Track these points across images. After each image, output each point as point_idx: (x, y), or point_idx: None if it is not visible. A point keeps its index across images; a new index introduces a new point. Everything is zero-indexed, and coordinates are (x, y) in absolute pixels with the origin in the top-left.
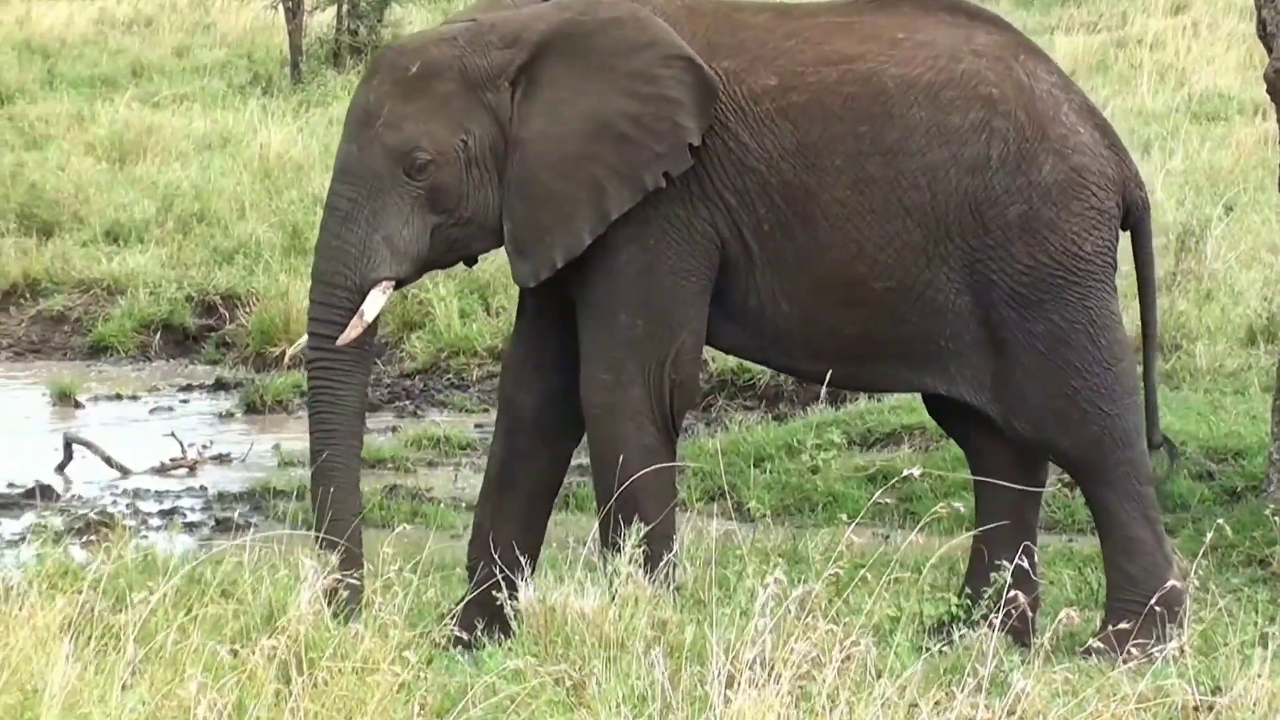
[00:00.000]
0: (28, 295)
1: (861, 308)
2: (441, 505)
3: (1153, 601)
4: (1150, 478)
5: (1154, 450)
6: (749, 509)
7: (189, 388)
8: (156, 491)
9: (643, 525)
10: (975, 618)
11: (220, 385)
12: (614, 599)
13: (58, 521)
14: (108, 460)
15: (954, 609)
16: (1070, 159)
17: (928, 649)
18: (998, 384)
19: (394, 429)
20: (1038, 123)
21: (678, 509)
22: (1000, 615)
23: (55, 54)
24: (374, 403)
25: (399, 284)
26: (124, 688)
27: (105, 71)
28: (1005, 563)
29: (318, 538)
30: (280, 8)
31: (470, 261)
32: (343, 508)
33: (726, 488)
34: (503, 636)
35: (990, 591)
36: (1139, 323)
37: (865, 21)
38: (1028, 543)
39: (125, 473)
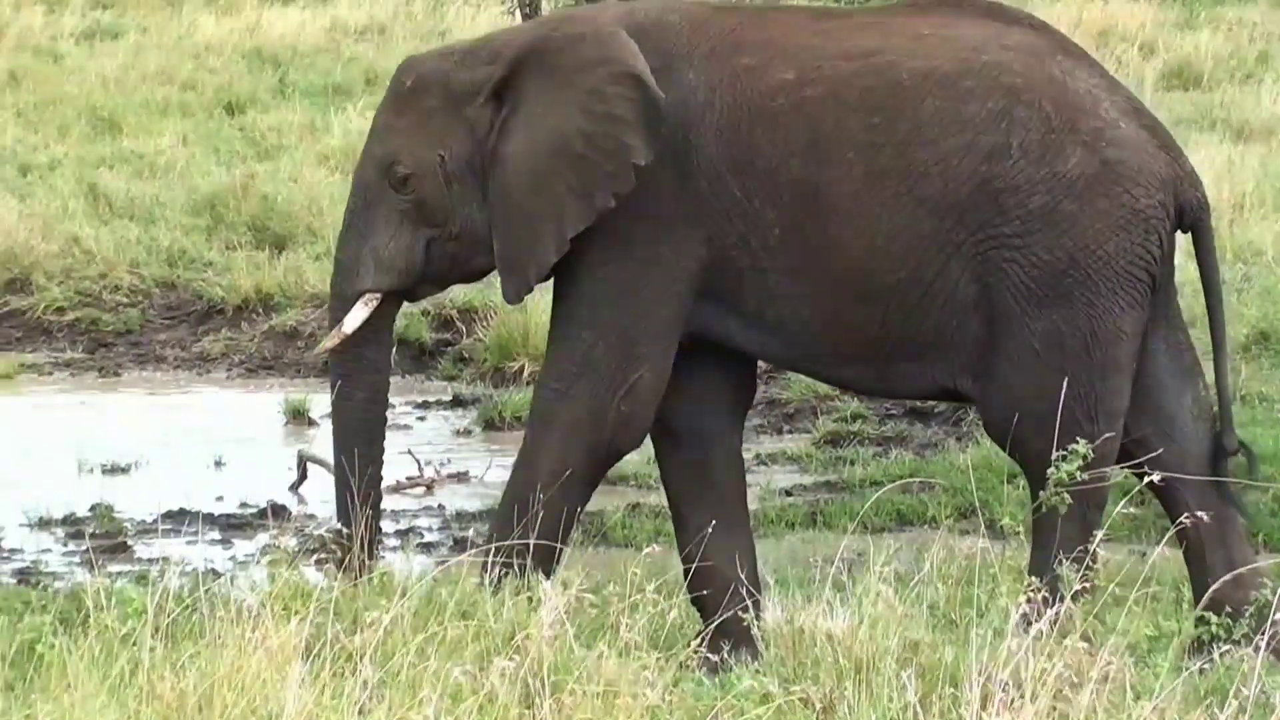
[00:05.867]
0: (260, 310)
1: (878, 303)
2: None
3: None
4: (1101, 504)
5: (1232, 456)
6: (1001, 526)
7: (425, 404)
8: (393, 510)
9: (505, 532)
10: (1237, 635)
11: (458, 401)
12: (863, 619)
13: (292, 542)
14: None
15: (1214, 628)
16: (1102, 153)
17: (1187, 669)
18: (988, 375)
19: None
20: (1067, 114)
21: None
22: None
23: (287, 62)
24: None
25: (406, 298)
26: (361, 712)
27: (338, 80)
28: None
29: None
30: (516, 13)
31: (476, 277)
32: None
33: (978, 504)
34: (750, 658)
35: (1250, 609)
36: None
37: (898, 21)
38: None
39: None
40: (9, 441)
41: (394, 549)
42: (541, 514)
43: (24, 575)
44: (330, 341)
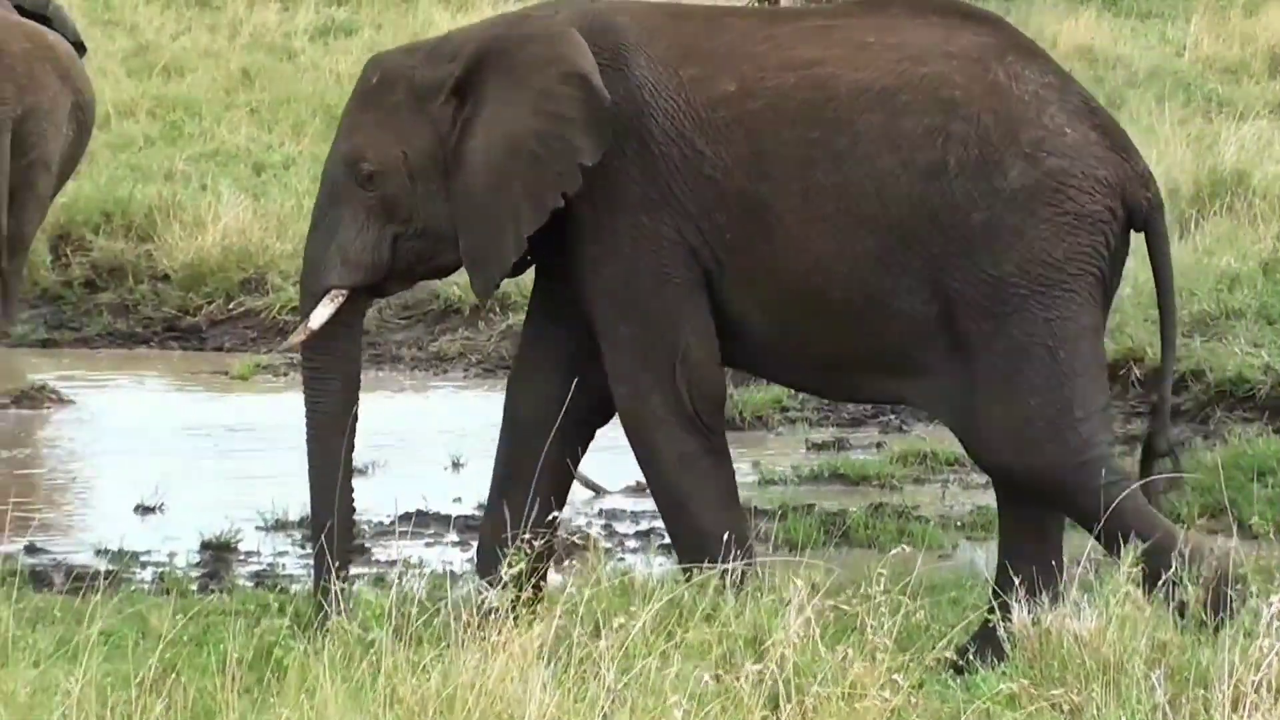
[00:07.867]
0: (497, 309)
1: (829, 320)
2: (930, 524)
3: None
4: (1122, 479)
5: (1160, 459)
6: (1250, 525)
7: None
8: (632, 512)
9: (696, 532)
10: None
11: None
12: (1111, 620)
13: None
14: (582, 479)
15: None
16: (1043, 163)
17: None
18: (963, 401)
19: (879, 445)
20: (1007, 126)
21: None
22: None
23: None
24: (858, 418)
25: (375, 293)
26: (604, 716)
27: None
28: None
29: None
30: None
31: (444, 273)
32: (318, 516)
33: (1227, 503)
34: (995, 660)
35: None
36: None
37: (846, 25)
38: None
39: (600, 492)
40: (244, 442)
41: (635, 550)
42: (694, 507)
43: (261, 578)
44: (297, 337)
